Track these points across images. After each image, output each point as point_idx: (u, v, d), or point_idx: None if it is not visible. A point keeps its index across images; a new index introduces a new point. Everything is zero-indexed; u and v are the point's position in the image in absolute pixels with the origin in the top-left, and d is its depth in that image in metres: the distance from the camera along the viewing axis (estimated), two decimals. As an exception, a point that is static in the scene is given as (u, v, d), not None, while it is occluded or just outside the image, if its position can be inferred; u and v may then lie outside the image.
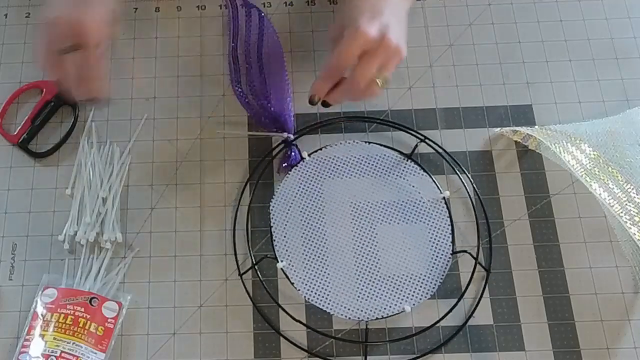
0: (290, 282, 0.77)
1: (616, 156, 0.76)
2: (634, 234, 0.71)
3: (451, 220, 0.79)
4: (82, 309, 0.74)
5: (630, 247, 0.76)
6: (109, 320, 0.75)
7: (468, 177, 0.81)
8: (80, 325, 0.74)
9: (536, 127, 0.83)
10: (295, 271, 0.77)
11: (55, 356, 0.72)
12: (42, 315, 0.74)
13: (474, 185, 0.81)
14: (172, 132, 0.85)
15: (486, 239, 0.78)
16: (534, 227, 0.79)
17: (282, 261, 0.77)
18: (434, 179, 0.81)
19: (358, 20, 0.71)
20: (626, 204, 0.73)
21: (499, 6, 0.91)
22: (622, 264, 0.77)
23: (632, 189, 0.74)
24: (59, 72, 0.72)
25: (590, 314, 0.75)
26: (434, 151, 0.82)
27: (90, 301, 0.75)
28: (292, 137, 0.82)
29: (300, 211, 0.80)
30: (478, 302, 0.76)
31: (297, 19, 0.91)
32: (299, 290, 0.76)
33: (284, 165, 0.82)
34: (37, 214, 0.81)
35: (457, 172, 0.81)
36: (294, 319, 0.75)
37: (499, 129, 0.84)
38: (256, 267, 0.77)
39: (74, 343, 0.73)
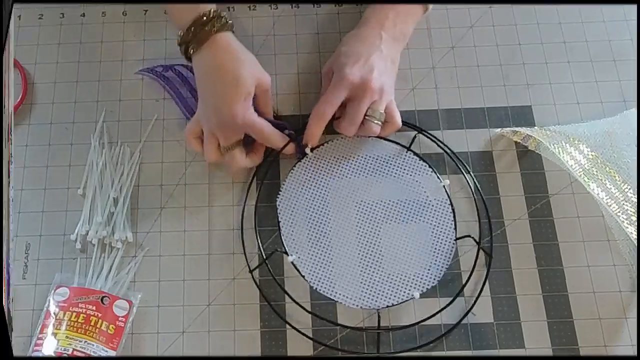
0: (301, 274, 0.77)
1: (614, 157, 0.77)
2: (631, 233, 0.72)
3: (452, 207, 0.81)
4: (94, 308, 0.75)
5: (628, 246, 0.77)
6: (119, 318, 0.76)
7: (470, 176, 0.82)
8: (92, 323, 0.75)
9: (536, 127, 0.83)
10: (305, 264, 0.78)
11: (67, 354, 0.73)
12: (54, 313, 0.75)
13: (477, 183, 0.82)
14: (181, 133, 0.85)
15: (487, 237, 0.80)
16: (534, 226, 0.80)
17: (291, 255, 0.78)
18: (433, 168, 0.83)
19: (343, 66, 0.77)
20: (623, 204, 0.74)
21: (499, 9, 0.92)
22: (619, 262, 0.79)
23: (629, 189, 0.74)
24: None
25: (589, 312, 0.77)
26: (438, 151, 0.84)
27: (101, 300, 0.76)
28: (293, 132, 0.82)
29: (306, 205, 0.81)
30: (482, 288, 0.78)
31: (302, 21, 0.91)
32: (310, 282, 0.77)
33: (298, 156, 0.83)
34: (49, 214, 0.82)
35: (462, 170, 0.82)
36: (307, 311, 0.76)
37: (499, 129, 0.84)
38: (266, 261, 0.78)
39: (85, 341, 0.74)
